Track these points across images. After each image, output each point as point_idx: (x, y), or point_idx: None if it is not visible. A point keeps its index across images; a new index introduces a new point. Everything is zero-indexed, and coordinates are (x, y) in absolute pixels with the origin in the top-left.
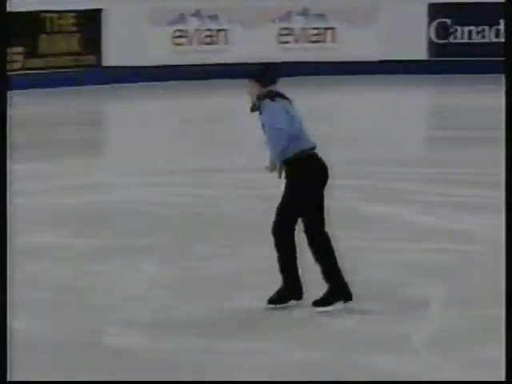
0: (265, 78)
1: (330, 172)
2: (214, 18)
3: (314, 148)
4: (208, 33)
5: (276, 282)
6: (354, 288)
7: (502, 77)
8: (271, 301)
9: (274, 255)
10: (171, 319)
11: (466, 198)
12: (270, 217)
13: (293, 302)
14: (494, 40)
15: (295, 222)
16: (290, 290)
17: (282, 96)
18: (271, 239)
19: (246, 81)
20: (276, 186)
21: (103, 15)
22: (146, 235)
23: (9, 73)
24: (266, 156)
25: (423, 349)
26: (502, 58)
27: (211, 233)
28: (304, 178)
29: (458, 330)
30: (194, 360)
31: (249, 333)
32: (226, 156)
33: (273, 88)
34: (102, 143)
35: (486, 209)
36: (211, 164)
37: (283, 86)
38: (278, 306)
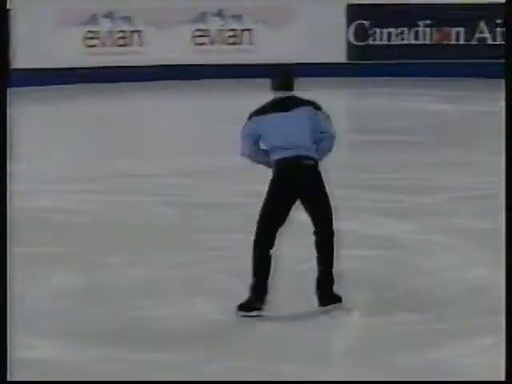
0: (273, 81)
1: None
2: (126, 19)
3: (294, 158)
4: (121, 34)
5: (189, 290)
6: (279, 295)
7: (423, 80)
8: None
9: (185, 262)
10: (83, 329)
11: (389, 204)
12: (182, 223)
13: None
14: (414, 42)
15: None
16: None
17: (275, 106)
18: (182, 246)
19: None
20: (186, 194)
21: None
22: (55, 244)
23: None
24: (174, 160)
25: (344, 357)
26: (423, 61)
27: (122, 241)
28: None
29: (381, 338)
30: (107, 370)
31: (162, 343)
32: (137, 161)
33: (280, 94)
34: (10, 147)
35: (410, 214)
36: (122, 169)
37: (197, 89)
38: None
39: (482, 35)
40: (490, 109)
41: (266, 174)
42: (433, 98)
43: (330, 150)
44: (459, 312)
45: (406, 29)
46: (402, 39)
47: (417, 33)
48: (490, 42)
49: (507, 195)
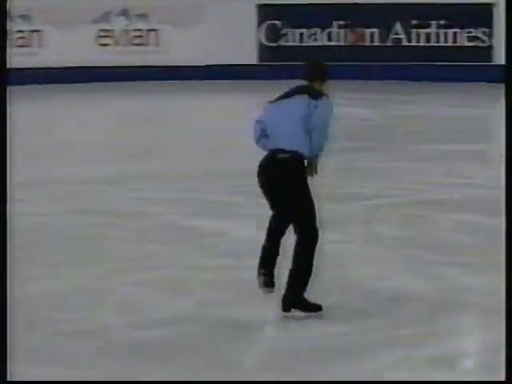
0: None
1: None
2: (25, 18)
3: (271, 151)
4: (20, 34)
5: (103, 302)
6: (179, 310)
7: (340, 82)
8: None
9: (97, 273)
10: None
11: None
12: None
13: None
14: (327, 43)
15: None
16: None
17: (284, 94)
18: (93, 257)
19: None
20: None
21: None
22: None
23: None
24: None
25: (256, 371)
26: (338, 63)
27: (35, 252)
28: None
29: (292, 351)
30: None
31: (77, 359)
32: (47, 167)
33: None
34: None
35: (329, 222)
36: (32, 176)
37: (100, 91)
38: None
39: (397, 36)
40: (406, 113)
41: (181, 182)
42: (351, 101)
43: (319, 145)
44: (380, 323)
45: (318, 30)
46: (315, 40)
47: (330, 34)
48: (405, 43)
49: (507, 197)
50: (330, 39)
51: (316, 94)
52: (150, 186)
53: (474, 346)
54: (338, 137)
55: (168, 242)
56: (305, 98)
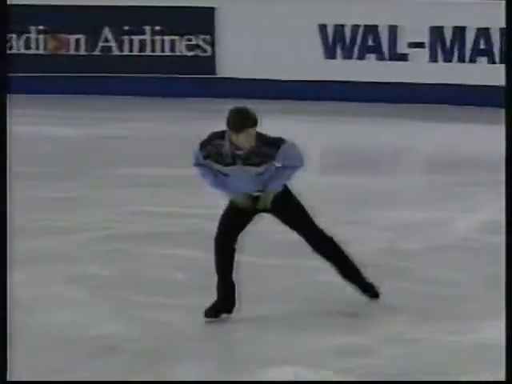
0: None
1: None
2: None
3: None
4: None
5: None
6: None
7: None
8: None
9: None
10: None
11: None
12: None
13: None
14: (24, 51)
15: None
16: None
17: None
18: None
19: None
20: None
21: None
22: None
23: None
24: None
25: None
26: (39, 74)
27: None
28: None
29: None
30: None
31: None
32: None
33: None
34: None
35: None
36: None
37: None
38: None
39: (106, 44)
40: (114, 132)
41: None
42: (51, 119)
43: None
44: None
45: (14, 35)
46: (11, 48)
47: (28, 40)
48: (116, 52)
49: (507, 197)
50: (28, 47)
51: None
52: None
53: None
54: (34, 161)
55: None
56: None
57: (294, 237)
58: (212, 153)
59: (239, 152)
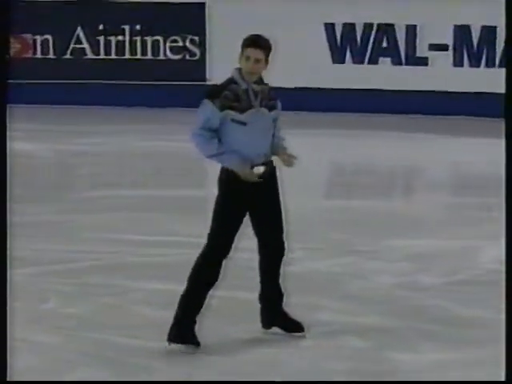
0: None
1: None
2: None
3: None
4: None
5: None
6: None
7: None
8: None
9: None
10: None
11: None
12: None
13: None
14: None
15: None
16: None
17: None
18: None
19: None
20: None
21: None
22: None
23: None
24: None
25: None
26: None
27: None
28: None
29: None
30: None
31: None
32: None
33: None
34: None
35: None
36: None
37: None
38: None
39: (79, 46)
40: (87, 149)
41: None
42: (13, 132)
43: None
44: None
45: None
46: None
47: None
48: (90, 55)
49: (507, 199)
50: None
51: None
52: None
53: None
54: None
55: None
56: None
57: None
58: (229, 98)
59: (255, 87)
